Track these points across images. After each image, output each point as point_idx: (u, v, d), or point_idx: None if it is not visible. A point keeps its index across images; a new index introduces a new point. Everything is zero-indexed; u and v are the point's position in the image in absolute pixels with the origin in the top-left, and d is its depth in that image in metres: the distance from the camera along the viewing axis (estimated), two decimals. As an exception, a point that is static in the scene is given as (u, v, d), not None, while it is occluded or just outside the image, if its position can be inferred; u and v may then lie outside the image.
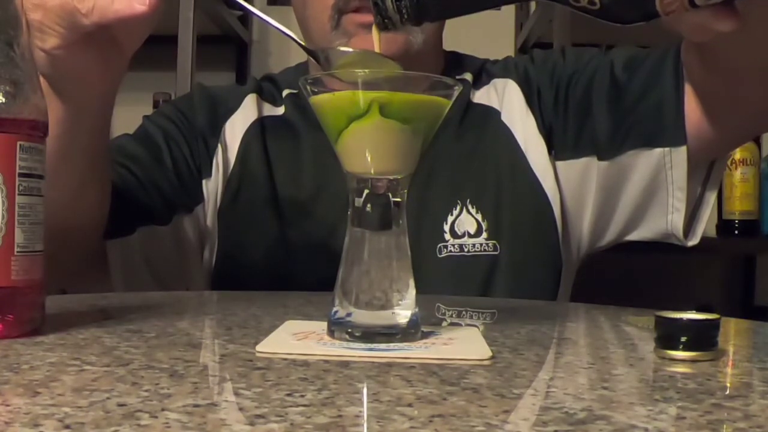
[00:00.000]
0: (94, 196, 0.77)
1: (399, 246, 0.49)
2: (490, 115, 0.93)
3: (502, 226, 0.88)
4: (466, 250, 0.87)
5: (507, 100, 0.93)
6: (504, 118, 0.92)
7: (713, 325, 0.46)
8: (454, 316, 0.68)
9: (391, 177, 0.49)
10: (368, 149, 0.49)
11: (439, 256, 0.86)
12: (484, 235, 0.87)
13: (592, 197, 0.90)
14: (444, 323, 0.61)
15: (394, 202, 0.49)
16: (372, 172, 0.49)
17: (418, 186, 0.87)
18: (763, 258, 1.95)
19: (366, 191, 0.49)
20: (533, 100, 0.92)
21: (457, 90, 0.49)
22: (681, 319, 0.46)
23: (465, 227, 0.87)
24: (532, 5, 1.95)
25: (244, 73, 2.02)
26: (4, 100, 0.46)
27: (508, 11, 2.06)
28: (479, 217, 0.88)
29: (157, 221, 0.86)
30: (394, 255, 0.49)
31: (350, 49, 0.69)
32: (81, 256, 0.81)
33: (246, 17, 2.02)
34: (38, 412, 0.30)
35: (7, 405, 0.32)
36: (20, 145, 0.47)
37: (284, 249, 0.88)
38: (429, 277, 0.84)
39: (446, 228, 0.87)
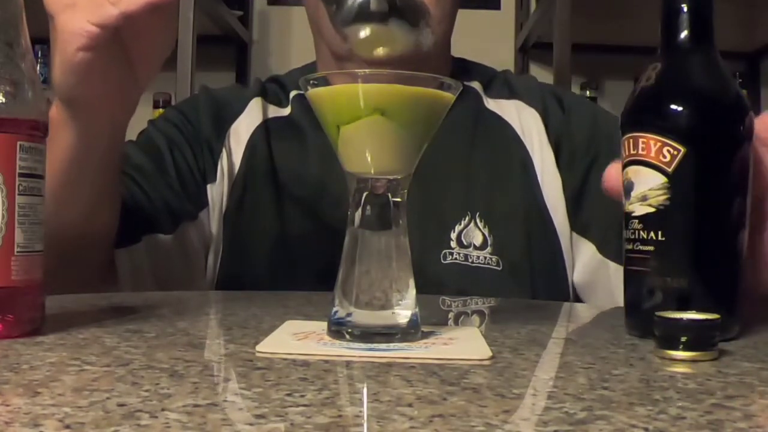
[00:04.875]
0: (106, 213, 0.77)
1: (399, 246, 0.49)
2: (510, 131, 0.94)
3: (507, 245, 0.88)
4: (470, 260, 0.87)
5: (527, 128, 0.93)
6: (526, 143, 0.93)
7: (713, 325, 0.46)
8: (454, 316, 0.68)
9: (390, 177, 0.49)
10: (367, 148, 0.49)
11: (443, 261, 0.86)
12: (489, 249, 0.87)
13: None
14: (450, 318, 0.61)
15: (394, 202, 0.49)
16: (372, 171, 0.49)
17: (430, 187, 0.88)
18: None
19: (366, 191, 0.49)
20: (553, 142, 0.93)
21: (457, 90, 0.49)
22: (681, 319, 0.46)
23: (471, 239, 0.88)
24: (533, 5, 1.95)
25: (244, 73, 2.03)
26: (4, 100, 0.46)
27: (508, 11, 2.06)
28: (486, 231, 0.88)
29: (161, 230, 0.85)
30: (394, 255, 0.49)
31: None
32: (93, 268, 0.82)
33: (246, 17, 2.02)
34: (38, 412, 0.30)
35: (7, 405, 0.32)
36: (20, 145, 0.47)
37: (289, 251, 0.88)
38: (432, 281, 0.84)
39: (453, 236, 0.87)
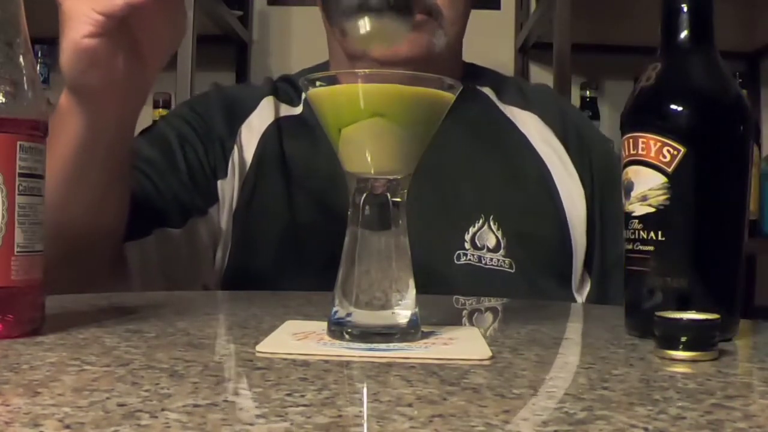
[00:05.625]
0: (114, 206, 0.77)
1: (399, 246, 0.49)
2: (524, 140, 0.94)
3: (521, 249, 0.88)
4: (483, 262, 0.87)
5: (544, 143, 0.94)
6: (542, 155, 0.93)
7: (713, 325, 0.46)
8: (454, 316, 0.68)
9: (390, 177, 0.49)
10: (367, 148, 0.49)
11: (456, 262, 0.87)
12: (502, 252, 0.87)
13: None
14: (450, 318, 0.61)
15: (394, 202, 0.49)
16: (372, 171, 0.49)
17: (445, 189, 0.88)
18: (763, 258, 1.95)
19: (366, 191, 0.49)
20: (578, 166, 0.94)
21: (456, 90, 0.49)
22: (681, 319, 0.46)
23: (485, 241, 0.88)
24: (533, 5, 1.95)
25: (244, 73, 2.02)
26: (4, 100, 0.46)
27: (508, 11, 2.06)
28: (499, 234, 0.88)
29: (171, 224, 0.86)
30: (394, 255, 0.49)
31: None
32: (103, 262, 0.82)
33: (246, 17, 2.02)
34: (38, 412, 0.30)
35: (7, 405, 0.32)
36: (20, 145, 0.47)
37: (298, 248, 0.88)
38: (445, 281, 0.84)
39: (467, 237, 0.88)
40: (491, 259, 0.87)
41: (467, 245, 0.87)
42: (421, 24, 0.85)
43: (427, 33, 0.86)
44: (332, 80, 0.49)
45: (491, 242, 0.88)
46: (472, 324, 0.64)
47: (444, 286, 0.81)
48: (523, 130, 0.95)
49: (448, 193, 0.89)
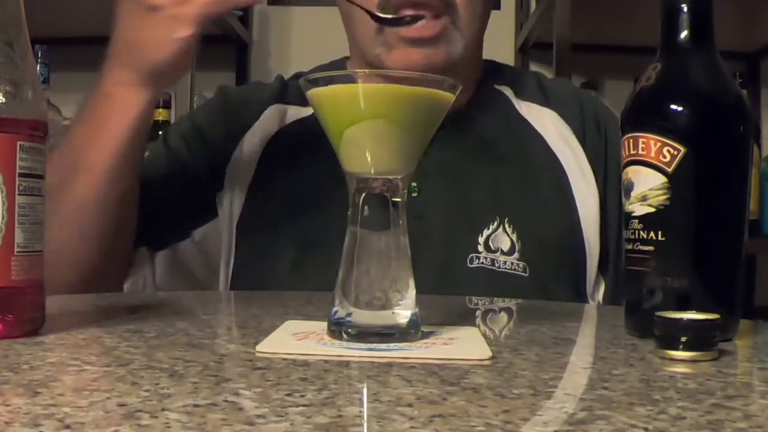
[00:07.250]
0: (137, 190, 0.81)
1: (399, 246, 0.49)
2: (541, 142, 0.94)
3: (536, 253, 0.87)
4: (497, 265, 0.86)
5: (562, 143, 0.94)
6: (560, 157, 0.93)
7: (713, 325, 0.46)
8: (455, 316, 0.68)
9: (390, 177, 0.49)
10: (367, 148, 0.49)
11: (469, 265, 0.86)
12: (516, 255, 0.87)
13: None
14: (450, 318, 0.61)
15: (393, 202, 0.49)
16: (372, 172, 0.49)
17: (460, 191, 0.88)
18: (763, 258, 1.95)
19: (366, 191, 0.49)
20: (590, 161, 0.93)
21: (456, 90, 0.49)
22: (681, 319, 0.46)
23: (499, 243, 0.87)
24: (533, 5, 1.95)
25: (244, 73, 2.02)
26: (4, 100, 0.46)
27: (508, 11, 2.06)
28: (514, 237, 0.87)
29: (177, 238, 0.87)
30: (394, 255, 0.49)
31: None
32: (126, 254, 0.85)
33: (246, 17, 2.02)
34: (38, 412, 0.30)
35: (7, 405, 0.32)
36: (20, 145, 0.47)
37: (305, 255, 0.87)
38: (458, 284, 0.84)
39: (481, 240, 0.87)
40: (505, 262, 0.86)
41: (481, 248, 0.86)
42: (436, 38, 0.84)
43: (444, 44, 0.85)
44: (331, 80, 0.49)
45: (506, 245, 0.87)
46: (472, 324, 0.64)
47: (456, 290, 0.81)
48: (540, 130, 0.94)
49: (463, 196, 0.88)
